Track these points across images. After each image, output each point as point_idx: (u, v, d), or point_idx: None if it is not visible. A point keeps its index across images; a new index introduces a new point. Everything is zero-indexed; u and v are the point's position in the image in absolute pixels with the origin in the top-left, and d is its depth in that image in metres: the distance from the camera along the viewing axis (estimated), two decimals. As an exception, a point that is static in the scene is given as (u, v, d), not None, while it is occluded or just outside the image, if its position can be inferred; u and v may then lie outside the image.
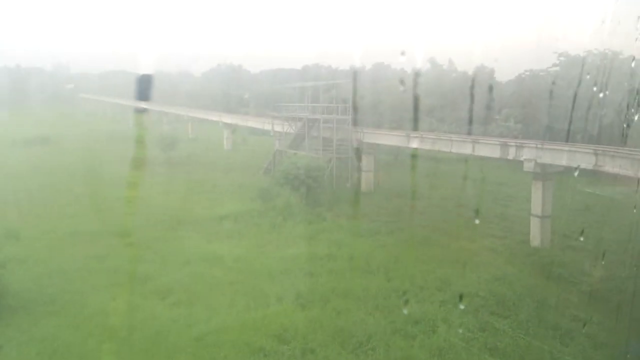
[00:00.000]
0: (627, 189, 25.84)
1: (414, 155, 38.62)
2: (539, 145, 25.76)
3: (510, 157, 27.08)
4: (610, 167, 22.15)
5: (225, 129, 62.18)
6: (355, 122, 41.76)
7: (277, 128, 46.07)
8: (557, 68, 49.89)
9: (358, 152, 39.78)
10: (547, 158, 25.27)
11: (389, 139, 36.20)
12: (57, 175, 43.62)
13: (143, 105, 79.96)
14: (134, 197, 35.65)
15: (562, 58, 49.41)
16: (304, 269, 22.37)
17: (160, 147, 50.93)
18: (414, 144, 33.86)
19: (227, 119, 61.71)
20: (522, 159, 26.40)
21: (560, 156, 24.73)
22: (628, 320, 19.10)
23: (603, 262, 24.59)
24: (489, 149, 28.47)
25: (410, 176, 41.50)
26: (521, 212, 30.77)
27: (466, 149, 29.93)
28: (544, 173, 25.69)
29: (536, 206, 26.20)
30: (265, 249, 25.26)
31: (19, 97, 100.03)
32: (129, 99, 76.59)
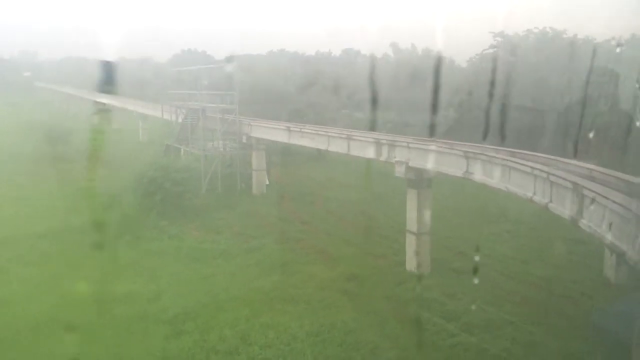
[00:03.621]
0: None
1: (320, 151, 33.18)
2: (411, 145, 20.10)
3: (383, 158, 21.48)
4: (479, 174, 16.64)
5: (141, 120, 56.31)
6: (254, 114, 36.13)
7: (170, 117, 40.22)
8: (495, 49, 44.53)
9: (248, 148, 34.02)
10: (419, 161, 19.69)
11: (271, 133, 30.42)
12: None
13: (85, 94, 73.61)
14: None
15: (498, 38, 43.96)
16: (77, 319, 16.71)
17: (50, 142, 44.64)
18: (294, 140, 28.19)
19: (141, 108, 55.67)
20: (394, 160, 20.79)
21: (430, 159, 19.19)
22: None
23: (485, 296, 19.56)
24: (363, 148, 22.85)
25: (310, 176, 36.23)
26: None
27: (341, 147, 24.30)
28: (419, 179, 20.11)
29: (411, 220, 20.73)
30: (56, 284, 19.51)
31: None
32: (79, 87, 71.06)
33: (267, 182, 34.54)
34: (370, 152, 22.42)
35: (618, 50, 25.91)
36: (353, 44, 64.43)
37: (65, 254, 22.55)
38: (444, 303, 18.31)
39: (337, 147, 24.67)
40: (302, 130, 27.44)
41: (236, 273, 20.73)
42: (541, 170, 13.31)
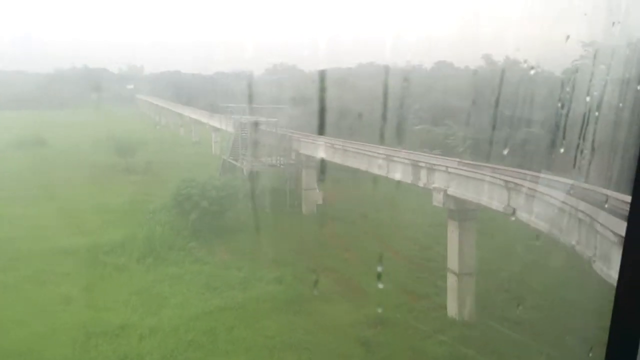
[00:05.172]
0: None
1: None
2: (450, 169, 16.98)
3: (422, 183, 18.47)
4: (522, 211, 13.29)
5: (213, 132, 56.29)
6: (317, 129, 34.02)
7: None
8: (584, 60, 39.21)
9: (300, 165, 31.93)
10: (457, 189, 16.53)
11: (317, 149, 28.15)
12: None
13: (173, 107, 75.85)
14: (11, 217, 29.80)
15: (588, 48, 38.61)
16: (57, 354, 15.40)
17: (122, 153, 45.14)
18: (338, 159, 25.74)
19: (214, 121, 55.64)
20: (431, 187, 17.76)
21: (469, 187, 15.97)
22: None
23: (538, 357, 15.93)
24: (401, 170, 19.94)
25: (368, 196, 33.35)
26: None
27: (380, 169, 21.54)
28: (460, 210, 16.93)
29: (452, 257, 17.53)
30: (59, 309, 18.45)
31: (72, 98, 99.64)
32: (170, 99, 73.53)
33: (320, 202, 32.22)
34: (408, 176, 19.45)
35: None
36: (446, 56, 60.48)
37: (83, 274, 21.61)
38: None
39: (377, 168, 21.92)
40: (345, 148, 24.92)
41: (247, 308, 18.55)
42: (585, 214, 9.90)
